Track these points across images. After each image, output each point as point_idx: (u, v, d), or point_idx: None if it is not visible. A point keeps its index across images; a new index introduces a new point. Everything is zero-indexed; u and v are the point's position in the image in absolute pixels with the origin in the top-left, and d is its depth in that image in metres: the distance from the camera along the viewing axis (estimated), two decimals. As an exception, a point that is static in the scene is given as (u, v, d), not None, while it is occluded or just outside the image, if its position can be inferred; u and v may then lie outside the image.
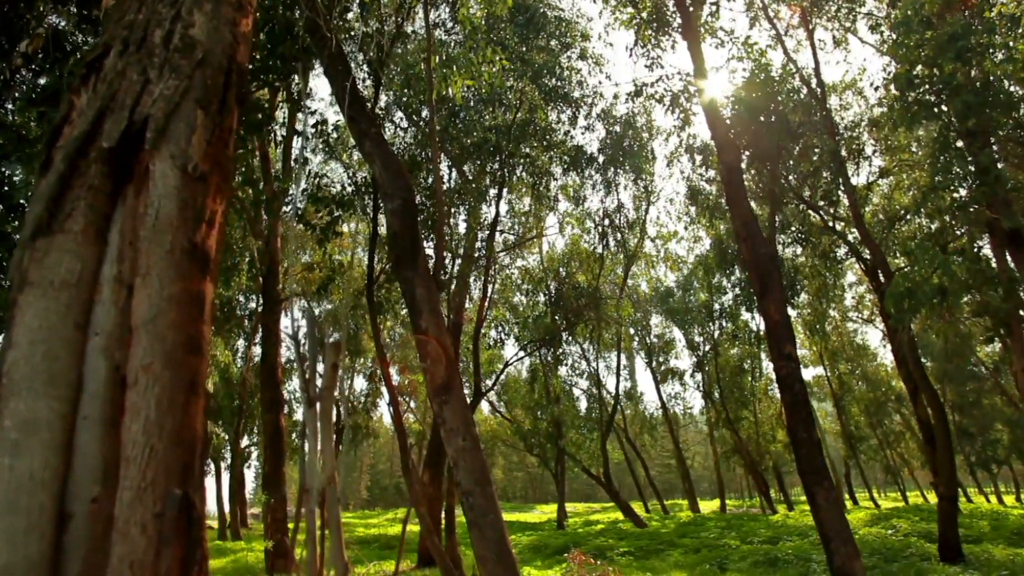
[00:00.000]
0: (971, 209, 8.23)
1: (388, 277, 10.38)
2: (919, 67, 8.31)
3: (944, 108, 8.70)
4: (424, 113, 12.70)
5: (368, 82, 11.66)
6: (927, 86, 8.33)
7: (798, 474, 7.83)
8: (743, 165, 10.75)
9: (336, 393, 1.20)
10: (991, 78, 8.22)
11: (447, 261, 14.55)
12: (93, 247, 1.26)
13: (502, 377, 33.89)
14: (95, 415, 1.20)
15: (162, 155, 1.33)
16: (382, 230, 11.41)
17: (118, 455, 1.16)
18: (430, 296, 6.61)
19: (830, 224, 17.24)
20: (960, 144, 8.65)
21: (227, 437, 28.53)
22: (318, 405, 1.17)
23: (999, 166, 8.34)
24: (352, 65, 10.40)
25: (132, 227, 1.29)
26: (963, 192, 8.59)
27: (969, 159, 8.03)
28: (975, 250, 8.51)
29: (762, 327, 30.05)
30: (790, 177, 16.34)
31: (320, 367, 1.27)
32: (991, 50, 7.58)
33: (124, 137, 1.30)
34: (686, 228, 27.81)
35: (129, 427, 1.17)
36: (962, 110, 7.65)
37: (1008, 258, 8.63)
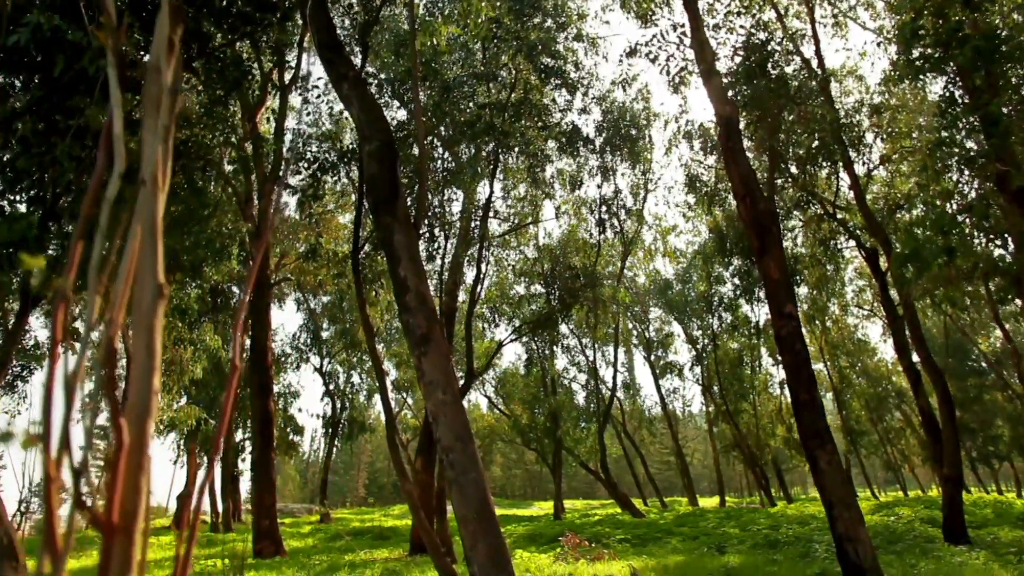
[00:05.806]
0: (980, 162, 7.88)
1: (376, 245, 10.02)
2: (924, 18, 7.97)
3: (951, 64, 8.37)
4: (419, 95, 12.39)
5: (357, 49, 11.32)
6: (932, 38, 7.99)
7: (799, 438, 7.48)
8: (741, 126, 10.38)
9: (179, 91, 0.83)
10: (1000, 30, 7.88)
11: (440, 239, 14.20)
12: None
13: (499, 371, 33.57)
14: None
15: None
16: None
17: None
18: (409, 243, 6.26)
19: (831, 212, 16.89)
20: (967, 100, 8.31)
21: (219, 429, 28.14)
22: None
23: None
24: (339, 32, 10.05)
25: None
26: (971, 148, 8.24)
27: (976, 111, 7.69)
28: (984, 205, 8.16)
29: (762, 320, 29.82)
30: (790, 167, 16.00)
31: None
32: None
33: None
34: (684, 217, 27.55)
35: None
36: (971, 58, 7.30)
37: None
